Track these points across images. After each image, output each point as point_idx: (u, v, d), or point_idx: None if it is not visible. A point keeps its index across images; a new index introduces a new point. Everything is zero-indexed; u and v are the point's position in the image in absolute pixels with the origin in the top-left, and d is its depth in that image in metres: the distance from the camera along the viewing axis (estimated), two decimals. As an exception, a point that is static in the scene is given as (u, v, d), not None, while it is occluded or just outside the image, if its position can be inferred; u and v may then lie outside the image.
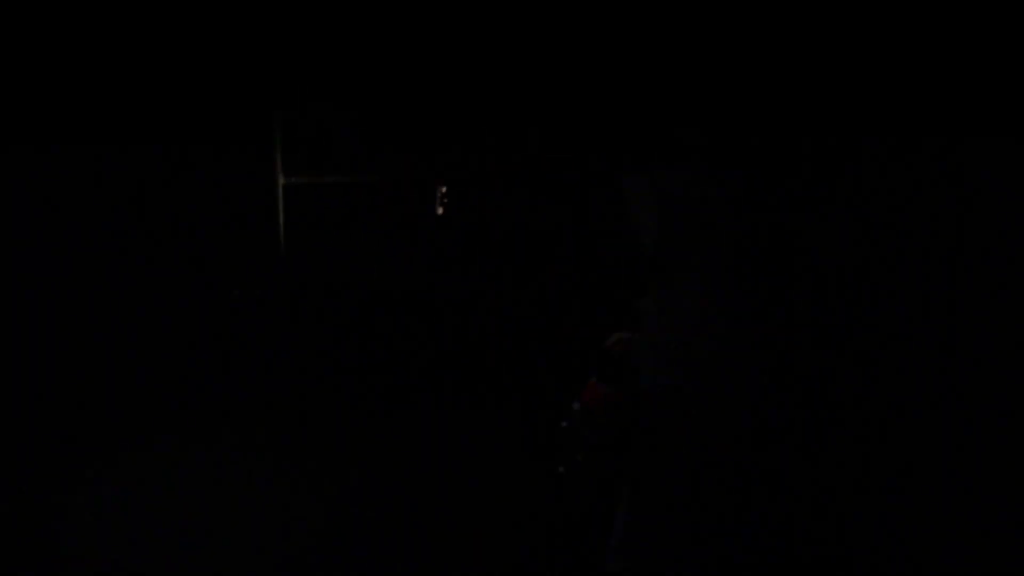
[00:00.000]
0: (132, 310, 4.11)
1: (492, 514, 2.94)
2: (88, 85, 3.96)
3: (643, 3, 3.61)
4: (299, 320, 4.34)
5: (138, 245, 4.12)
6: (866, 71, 2.99)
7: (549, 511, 2.76)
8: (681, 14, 3.49)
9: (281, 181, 4.25)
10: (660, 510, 1.66)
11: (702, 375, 1.57)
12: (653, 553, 1.65)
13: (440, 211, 4.43)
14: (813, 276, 3.35)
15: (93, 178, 4.04)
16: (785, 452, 2.80)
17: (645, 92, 3.76)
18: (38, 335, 3.96)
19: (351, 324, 4.38)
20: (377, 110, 4.32)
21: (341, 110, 4.29)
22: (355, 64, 4.23)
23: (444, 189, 4.40)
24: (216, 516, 2.94)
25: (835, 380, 3.03)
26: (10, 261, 3.92)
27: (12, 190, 3.91)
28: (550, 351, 4.04)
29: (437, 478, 3.25)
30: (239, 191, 4.20)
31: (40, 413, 3.79)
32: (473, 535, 2.79)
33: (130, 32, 3.90)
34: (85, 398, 3.94)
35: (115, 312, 4.09)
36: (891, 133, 2.82)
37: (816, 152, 3.35)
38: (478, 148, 4.31)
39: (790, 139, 3.40)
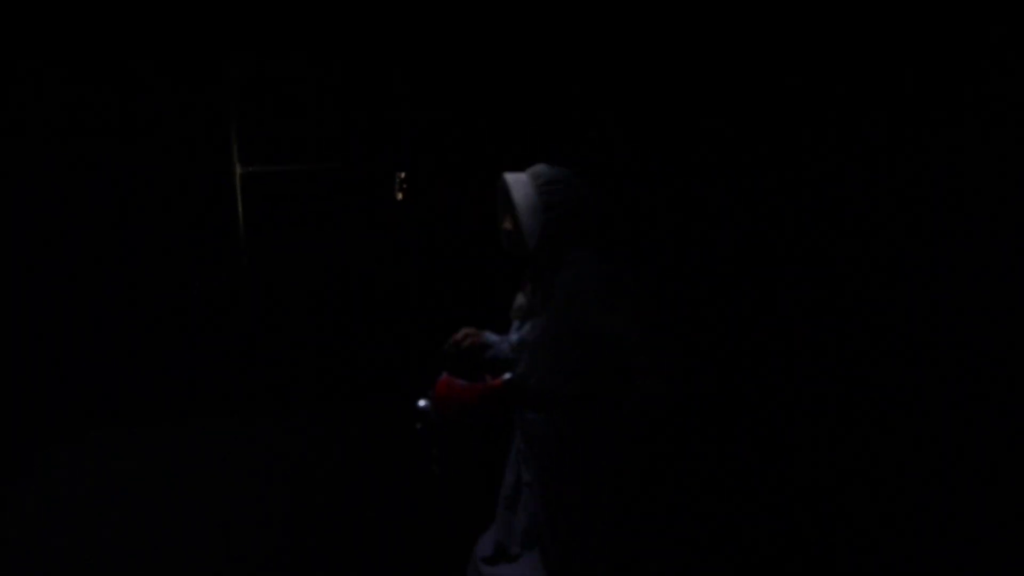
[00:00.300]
0: (91, 303, 4.05)
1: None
2: (32, 75, 3.84)
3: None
4: (260, 309, 4.37)
5: (96, 238, 4.04)
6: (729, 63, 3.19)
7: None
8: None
9: (238, 171, 4.24)
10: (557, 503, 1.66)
11: (576, 369, 1.59)
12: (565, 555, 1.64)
13: (399, 197, 4.50)
14: (693, 269, 3.50)
15: (48, 172, 3.93)
16: (674, 443, 2.89)
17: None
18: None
19: (312, 312, 4.44)
20: (336, 97, 4.33)
21: (298, 97, 4.29)
22: (311, 51, 4.23)
23: (403, 175, 4.46)
24: (185, 508, 3.02)
25: (720, 367, 3.17)
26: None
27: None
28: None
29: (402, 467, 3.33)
30: (197, 181, 4.16)
31: None
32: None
33: (79, 18, 3.79)
34: (40, 392, 3.91)
35: (74, 305, 4.02)
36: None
37: (693, 150, 3.53)
38: (434, 136, 4.39)
39: (669, 142, 3.58)
